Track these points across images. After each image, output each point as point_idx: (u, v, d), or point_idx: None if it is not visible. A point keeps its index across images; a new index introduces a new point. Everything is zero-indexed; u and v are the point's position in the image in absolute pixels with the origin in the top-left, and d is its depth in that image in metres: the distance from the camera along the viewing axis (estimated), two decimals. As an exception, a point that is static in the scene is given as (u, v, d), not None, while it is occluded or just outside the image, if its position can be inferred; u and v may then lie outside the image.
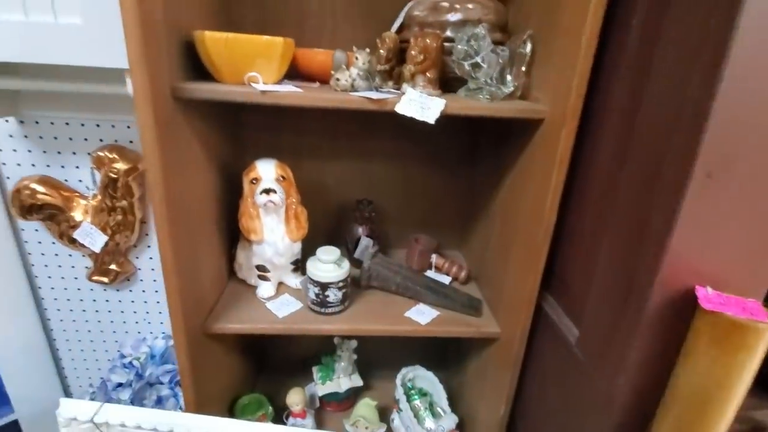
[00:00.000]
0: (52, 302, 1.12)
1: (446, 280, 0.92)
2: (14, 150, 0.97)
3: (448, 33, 0.71)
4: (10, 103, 0.89)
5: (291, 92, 0.60)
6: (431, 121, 0.59)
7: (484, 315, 0.83)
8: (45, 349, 1.14)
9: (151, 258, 1.08)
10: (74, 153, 0.98)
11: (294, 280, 0.85)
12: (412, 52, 0.64)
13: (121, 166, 0.93)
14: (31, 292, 1.08)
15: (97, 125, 0.95)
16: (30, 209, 0.96)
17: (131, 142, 0.97)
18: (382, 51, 0.69)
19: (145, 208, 1.02)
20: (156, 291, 1.11)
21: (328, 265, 0.75)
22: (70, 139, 0.96)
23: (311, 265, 0.75)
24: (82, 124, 0.95)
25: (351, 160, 0.99)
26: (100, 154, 0.92)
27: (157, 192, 0.58)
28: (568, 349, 0.63)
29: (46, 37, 0.68)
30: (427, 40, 0.64)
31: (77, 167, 0.99)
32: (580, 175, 0.64)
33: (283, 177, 0.73)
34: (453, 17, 0.71)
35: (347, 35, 0.89)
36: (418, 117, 0.60)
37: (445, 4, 0.71)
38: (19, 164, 0.98)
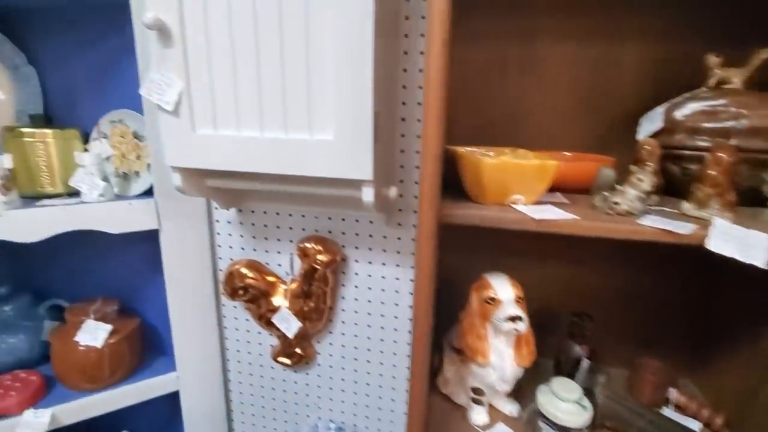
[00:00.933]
0: (237, 375, 1.17)
1: (692, 424, 0.74)
2: (229, 234, 1.07)
3: (733, 142, 0.60)
4: (238, 198, 0.99)
5: (569, 220, 0.53)
6: (761, 264, 0.47)
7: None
8: (223, 420, 1.18)
9: (330, 344, 1.08)
10: (278, 239, 1.04)
11: (508, 407, 0.75)
12: (711, 172, 0.54)
13: (323, 257, 0.95)
14: (221, 365, 1.15)
15: (303, 216, 1.01)
16: (237, 291, 1.03)
17: (330, 232, 1.00)
18: (650, 163, 0.60)
19: (335, 297, 1.03)
20: (330, 377, 1.10)
21: (569, 404, 0.64)
22: (278, 227, 1.03)
23: (546, 401, 0.65)
24: (290, 215, 1.02)
25: (557, 264, 0.89)
26: (307, 245, 0.96)
27: (422, 311, 0.54)
28: None
29: (301, 152, 0.72)
30: (725, 157, 0.54)
31: (278, 252, 1.05)
32: None
33: (520, 298, 0.66)
34: (740, 124, 0.60)
35: (568, 133, 0.83)
36: (740, 258, 0.48)
37: (731, 108, 0.61)
38: (231, 247, 1.08)
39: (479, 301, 0.67)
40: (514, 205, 0.57)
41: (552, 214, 0.54)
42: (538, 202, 0.59)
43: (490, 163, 0.54)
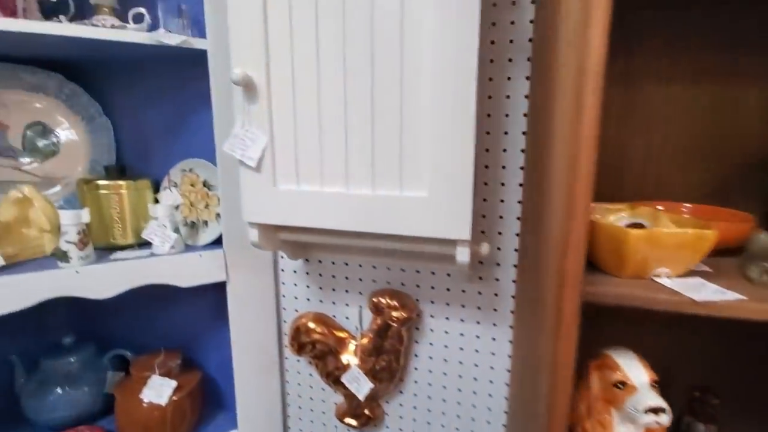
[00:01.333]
0: (297, 433, 1.10)
1: None
2: (295, 284, 1.02)
3: None
4: (308, 249, 0.94)
5: (736, 302, 0.45)
6: None
7: None
8: (283, 482, 1.11)
9: (401, 405, 1.00)
10: (347, 291, 0.98)
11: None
12: None
13: (399, 314, 0.88)
14: (282, 422, 1.09)
15: (374, 267, 0.95)
16: (304, 347, 0.97)
17: (403, 284, 0.94)
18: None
19: (408, 355, 0.96)
20: (400, 441, 1.02)
21: None
22: (346, 278, 0.98)
23: None
24: (360, 265, 0.96)
25: (667, 330, 0.79)
26: (381, 300, 0.90)
27: (560, 413, 0.47)
28: None
29: (390, 209, 0.67)
30: None
31: (346, 304, 0.99)
32: None
33: (655, 382, 0.57)
34: None
35: (677, 183, 0.74)
36: None
37: None
38: (296, 297, 1.03)
39: (604, 383, 0.58)
40: (657, 279, 0.49)
41: (714, 294, 0.45)
42: (684, 274, 0.51)
43: (637, 234, 0.47)
